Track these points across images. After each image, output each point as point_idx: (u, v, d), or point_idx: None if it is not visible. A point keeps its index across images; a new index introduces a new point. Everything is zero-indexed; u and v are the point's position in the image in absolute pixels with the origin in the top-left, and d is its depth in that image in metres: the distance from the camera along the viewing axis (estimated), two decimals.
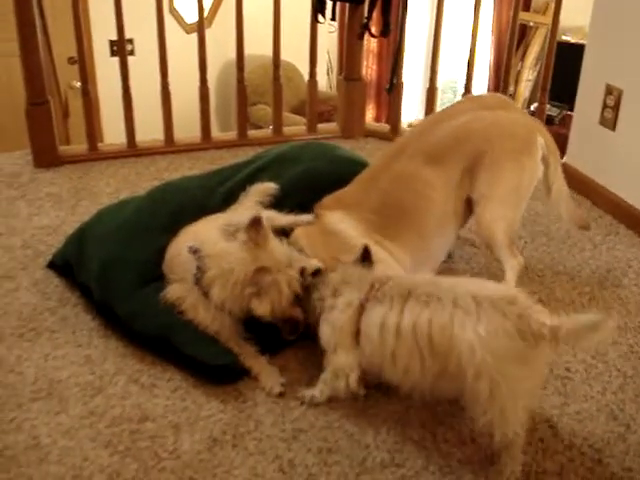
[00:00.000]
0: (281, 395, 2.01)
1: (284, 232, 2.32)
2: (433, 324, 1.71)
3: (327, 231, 2.32)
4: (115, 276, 2.29)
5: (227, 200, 2.61)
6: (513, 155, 2.31)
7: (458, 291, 1.73)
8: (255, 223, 2.04)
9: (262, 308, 2.02)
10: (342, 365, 1.90)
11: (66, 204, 3.07)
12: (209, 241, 2.14)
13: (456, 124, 2.36)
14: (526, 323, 1.63)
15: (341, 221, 2.32)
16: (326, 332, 1.94)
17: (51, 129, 3.40)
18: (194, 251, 2.10)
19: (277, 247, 2.10)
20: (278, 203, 2.57)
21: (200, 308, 2.12)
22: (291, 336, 2.11)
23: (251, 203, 2.55)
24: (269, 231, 2.10)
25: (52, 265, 2.57)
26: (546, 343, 1.63)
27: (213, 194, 2.66)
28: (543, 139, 2.38)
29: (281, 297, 2.02)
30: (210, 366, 2.05)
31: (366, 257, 1.98)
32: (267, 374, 2.06)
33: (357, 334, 1.87)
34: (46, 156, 3.43)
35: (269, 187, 2.61)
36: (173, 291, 2.18)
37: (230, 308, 2.06)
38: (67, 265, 2.48)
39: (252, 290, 2.01)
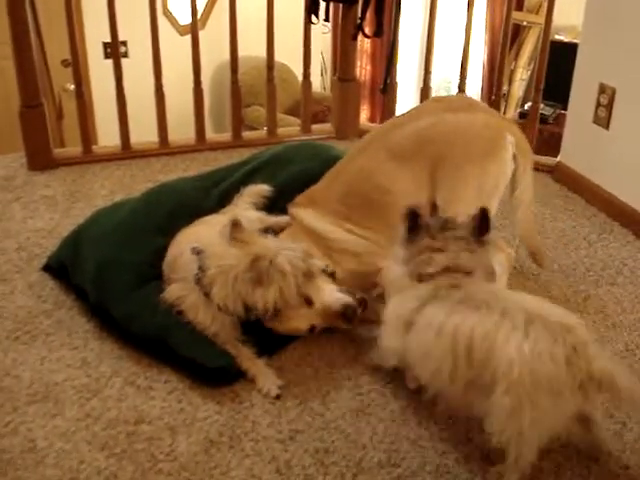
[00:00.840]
0: (278, 398, 2.01)
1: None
2: (476, 331, 1.66)
3: (308, 230, 2.35)
4: (111, 277, 2.29)
5: (222, 201, 2.62)
6: (475, 158, 2.27)
7: (511, 304, 1.68)
8: (235, 224, 2.07)
9: (269, 295, 2.02)
10: (385, 348, 1.94)
11: (61, 207, 3.07)
12: (210, 242, 2.14)
13: (420, 126, 2.34)
14: (580, 357, 1.57)
15: (315, 219, 2.35)
16: (388, 311, 1.93)
17: (45, 132, 3.39)
18: (197, 252, 2.10)
19: (266, 240, 2.12)
20: (273, 204, 2.58)
21: (200, 308, 2.12)
22: (349, 324, 2.11)
23: (245, 204, 2.55)
24: (252, 230, 2.13)
25: (47, 268, 2.57)
26: (592, 387, 1.58)
27: (208, 195, 2.67)
28: (514, 138, 2.35)
29: (286, 278, 2.02)
30: (206, 368, 2.05)
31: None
32: (264, 376, 2.05)
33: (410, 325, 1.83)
34: (40, 159, 3.42)
35: (263, 189, 2.62)
36: (173, 291, 2.18)
37: (232, 307, 2.05)
38: (62, 267, 2.48)
39: (253, 279, 2.01)
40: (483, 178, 2.29)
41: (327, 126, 4.04)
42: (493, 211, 2.34)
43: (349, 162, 2.46)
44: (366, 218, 2.32)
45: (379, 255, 2.18)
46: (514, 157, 2.35)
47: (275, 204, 2.57)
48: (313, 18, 3.59)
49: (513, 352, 1.58)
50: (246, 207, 2.54)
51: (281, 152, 2.90)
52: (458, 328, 1.68)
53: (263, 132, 3.96)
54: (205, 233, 2.28)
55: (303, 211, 2.40)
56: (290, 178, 2.67)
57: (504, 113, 7.05)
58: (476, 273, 1.83)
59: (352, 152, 2.51)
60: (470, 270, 1.82)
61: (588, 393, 1.60)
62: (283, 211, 2.49)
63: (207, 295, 2.07)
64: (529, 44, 7.50)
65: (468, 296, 1.75)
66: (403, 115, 2.51)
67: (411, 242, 1.86)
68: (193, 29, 3.58)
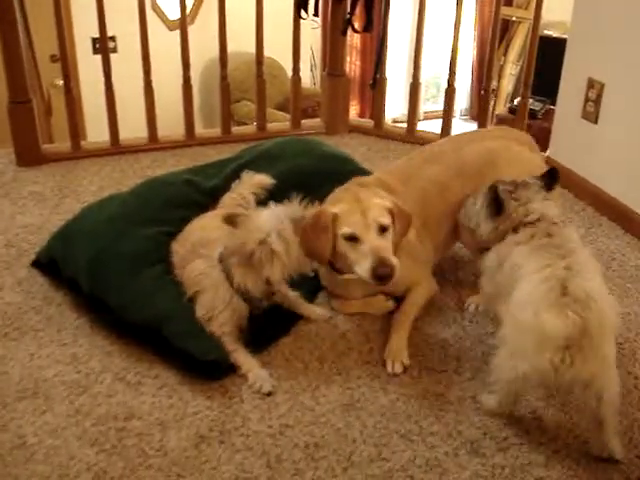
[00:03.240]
0: (269, 395, 2.00)
1: None
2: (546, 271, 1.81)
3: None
4: (105, 267, 2.29)
5: (214, 196, 2.61)
6: None
7: (582, 259, 1.87)
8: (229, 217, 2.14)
9: (276, 269, 2.09)
10: (484, 294, 2.15)
11: (49, 202, 3.06)
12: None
13: (487, 147, 2.50)
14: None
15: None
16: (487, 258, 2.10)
17: (34, 127, 3.38)
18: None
19: (260, 217, 2.13)
20: (266, 200, 2.57)
21: (220, 287, 2.13)
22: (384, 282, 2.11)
23: (245, 192, 2.55)
24: (245, 211, 2.17)
25: (36, 263, 2.56)
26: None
27: (199, 189, 2.66)
28: None
29: (289, 247, 2.08)
30: (198, 361, 2.04)
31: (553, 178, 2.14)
32: (257, 374, 2.05)
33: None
34: (29, 155, 3.41)
35: (265, 180, 2.61)
36: (197, 265, 2.19)
37: (251, 289, 2.12)
38: (52, 262, 2.48)
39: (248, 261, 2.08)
40: None
41: (317, 121, 4.04)
42: None
43: (420, 168, 2.49)
44: (428, 226, 2.40)
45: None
46: None
47: (270, 199, 2.56)
48: (302, 13, 3.59)
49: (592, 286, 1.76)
50: (245, 194, 2.55)
51: (271, 147, 2.90)
52: (546, 270, 1.82)
53: (253, 127, 3.95)
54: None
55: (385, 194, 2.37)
56: (282, 174, 2.67)
57: (493, 108, 7.07)
58: (559, 222, 2.04)
59: (419, 157, 2.57)
60: (555, 220, 2.03)
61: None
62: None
63: (228, 275, 2.11)
64: (518, 39, 7.52)
65: (557, 244, 1.92)
66: (472, 133, 2.75)
67: (495, 213, 2.09)
68: (182, 24, 3.57)
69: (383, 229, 2.13)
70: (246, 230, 2.09)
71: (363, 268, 2.08)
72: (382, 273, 2.06)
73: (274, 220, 2.10)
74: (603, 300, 1.76)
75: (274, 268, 2.08)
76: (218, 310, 2.12)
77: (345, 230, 2.12)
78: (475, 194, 2.22)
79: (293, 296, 2.32)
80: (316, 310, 2.34)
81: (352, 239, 2.11)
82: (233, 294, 2.13)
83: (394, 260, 2.08)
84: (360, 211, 2.13)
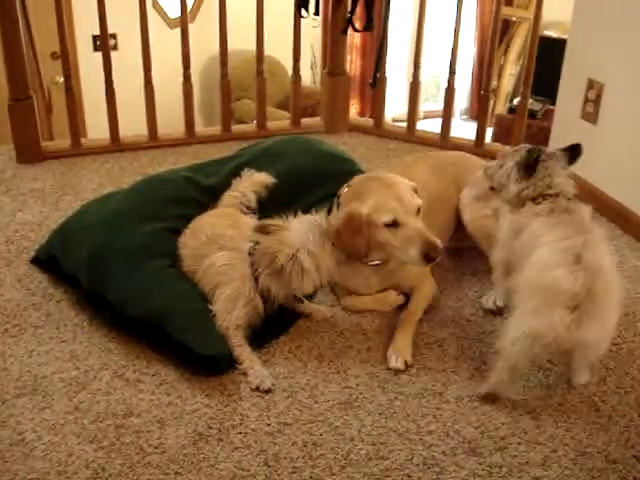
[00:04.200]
0: (268, 392, 2.00)
1: None
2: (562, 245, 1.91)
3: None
4: (106, 262, 2.29)
5: (213, 194, 2.62)
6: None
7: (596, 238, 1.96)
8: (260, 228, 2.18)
9: (306, 284, 2.15)
10: (495, 261, 2.22)
11: (50, 200, 3.06)
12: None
13: (449, 154, 2.88)
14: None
15: None
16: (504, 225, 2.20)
17: (34, 125, 3.38)
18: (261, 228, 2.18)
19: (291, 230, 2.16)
20: (266, 200, 2.58)
21: (247, 280, 2.15)
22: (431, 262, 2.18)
23: (246, 190, 2.55)
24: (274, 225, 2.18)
25: (36, 260, 2.57)
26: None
27: (199, 187, 2.67)
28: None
29: (319, 262, 2.13)
30: (199, 355, 2.04)
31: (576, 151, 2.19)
32: (257, 370, 2.05)
33: None
34: (29, 152, 3.41)
35: (266, 179, 2.61)
36: (221, 257, 2.21)
37: (274, 294, 2.16)
38: (51, 259, 2.48)
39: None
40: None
41: (317, 120, 4.04)
42: None
43: (410, 168, 2.63)
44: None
45: None
46: None
47: (271, 198, 2.57)
48: (303, 12, 3.59)
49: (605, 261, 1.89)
50: (246, 192, 2.56)
51: (271, 146, 2.90)
52: (565, 241, 1.92)
53: (253, 126, 3.96)
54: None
55: None
56: (282, 172, 2.68)
57: (493, 108, 7.07)
58: (573, 198, 2.13)
59: (401, 163, 2.80)
60: (570, 196, 2.12)
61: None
62: (275, 205, 2.47)
63: (255, 270, 2.14)
64: (518, 39, 7.51)
65: (577, 221, 2.01)
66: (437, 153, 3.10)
67: (528, 173, 2.13)
68: (183, 22, 3.57)
69: (418, 210, 2.20)
70: (276, 241, 2.12)
71: (411, 252, 2.15)
72: (433, 255, 2.13)
73: (303, 233, 2.13)
74: (613, 274, 1.90)
75: (304, 283, 2.14)
76: (241, 303, 2.14)
77: (386, 218, 2.15)
78: (502, 156, 2.24)
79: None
80: (319, 308, 2.35)
81: (393, 225, 2.15)
82: (256, 291, 2.15)
83: (438, 240, 2.15)
84: (394, 197, 2.18)
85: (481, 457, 1.82)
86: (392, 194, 2.18)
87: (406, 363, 2.12)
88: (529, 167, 2.11)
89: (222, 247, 2.23)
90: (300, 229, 2.14)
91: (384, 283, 2.38)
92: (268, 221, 2.18)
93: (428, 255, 2.12)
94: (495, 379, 1.96)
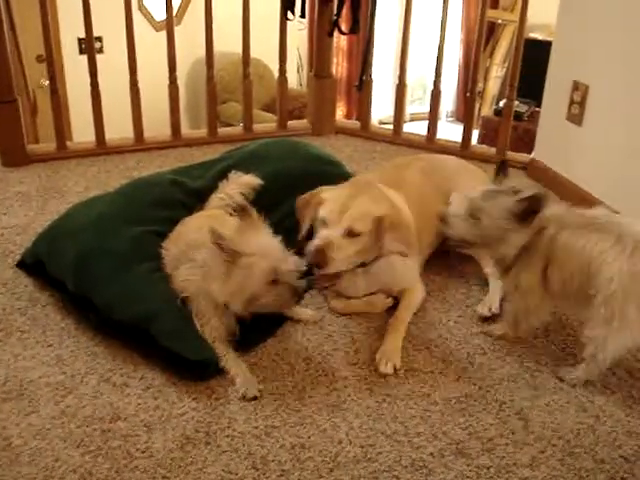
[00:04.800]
0: (254, 399, 1.99)
1: None
2: (594, 249, 1.93)
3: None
4: (92, 266, 2.28)
5: (200, 197, 2.61)
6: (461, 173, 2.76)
7: (626, 230, 1.94)
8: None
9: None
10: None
11: (35, 203, 3.05)
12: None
13: (438, 158, 2.89)
14: None
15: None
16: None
17: (19, 128, 3.37)
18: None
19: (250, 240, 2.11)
20: (254, 200, 2.57)
21: (203, 298, 2.13)
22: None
23: (233, 192, 2.55)
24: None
25: (22, 264, 2.55)
26: None
27: (185, 190, 2.66)
28: None
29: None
30: (186, 360, 2.03)
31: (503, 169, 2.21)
32: (244, 378, 2.04)
33: None
34: (14, 155, 3.40)
35: (253, 181, 2.61)
36: (182, 272, 2.18)
37: (231, 306, 2.12)
38: (37, 263, 2.46)
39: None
40: None
41: (303, 122, 4.05)
42: None
43: (402, 170, 2.69)
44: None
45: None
46: None
47: (256, 200, 2.56)
48: (289, 14, 3.59)
49: (615, 270, 1.88)
50: (233, 194, 2.55)
51: (258, 149, 2.90)
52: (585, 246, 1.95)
53: (239, 128, 3.96)
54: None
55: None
56: (269, 175, 2.68)
57: (479, 110, 7.09)
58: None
59: (394, 165, 2.84)
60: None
61: None
62: (264, 207, 2.46)
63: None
64: (504, 42, 7.55)
65: (591, 221, 2.02)
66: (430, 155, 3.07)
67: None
68: (169, 25, 3.56)
69: (351, 233, 2.21)
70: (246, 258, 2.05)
71: (309, 248, 2.21)
72: (312, 260, 2.19)
73: (274, 251, 2.10)
74: None
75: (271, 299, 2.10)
76: (206, 318, 2.12)
77: (321, 213, 2.26)
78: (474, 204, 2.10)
79: None
80: (307, 312, 2.35)
81: (323, 223, 2.25)
82: (217, 304, 2.11)
83: (332, 255, 2.18)
84: (342, 204, 2.24)
85: (469, 458, 1.82)
86: (345, 201, 2.25)
87: (395, 367, 2.13)
88: (527, 215, 2.04)
89: (188, 259, 2.19)
90: (268, 244, 2.13)
91: (372, 286, 2.39)
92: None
93: (310, 260, 2.19)
94: (587, 376, 2.06)
